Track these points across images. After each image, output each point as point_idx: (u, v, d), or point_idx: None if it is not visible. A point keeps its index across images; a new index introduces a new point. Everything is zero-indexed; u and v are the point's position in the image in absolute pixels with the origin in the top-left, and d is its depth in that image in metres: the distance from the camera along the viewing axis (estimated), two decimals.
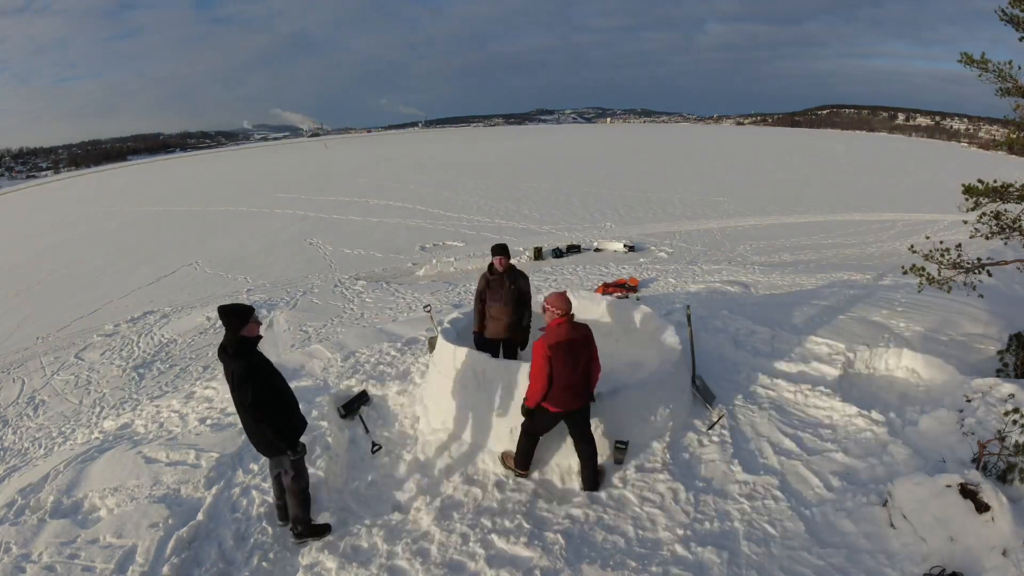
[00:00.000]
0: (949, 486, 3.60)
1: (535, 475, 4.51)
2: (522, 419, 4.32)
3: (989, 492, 3.51)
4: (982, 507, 3.46)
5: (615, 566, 3.60)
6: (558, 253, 18.11)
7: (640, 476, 4.39)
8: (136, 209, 36.51)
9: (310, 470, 4.53)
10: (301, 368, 6.87)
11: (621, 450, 4.44)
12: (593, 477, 4.31)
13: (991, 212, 5.55)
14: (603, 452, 4.49)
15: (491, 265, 5.41)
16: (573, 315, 4.16)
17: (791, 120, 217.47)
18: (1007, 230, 5.52)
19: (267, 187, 42.24)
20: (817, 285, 11.29)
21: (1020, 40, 4.87)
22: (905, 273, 6.04)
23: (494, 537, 3.89)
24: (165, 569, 3.70)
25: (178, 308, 14.47)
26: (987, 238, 5.70)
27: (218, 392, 6.54)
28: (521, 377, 4.56)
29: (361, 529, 4.08)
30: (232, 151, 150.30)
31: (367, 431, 5.27)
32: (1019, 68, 5.05)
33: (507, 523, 4.01)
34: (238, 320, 3.55)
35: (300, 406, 3.95)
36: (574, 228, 22.64)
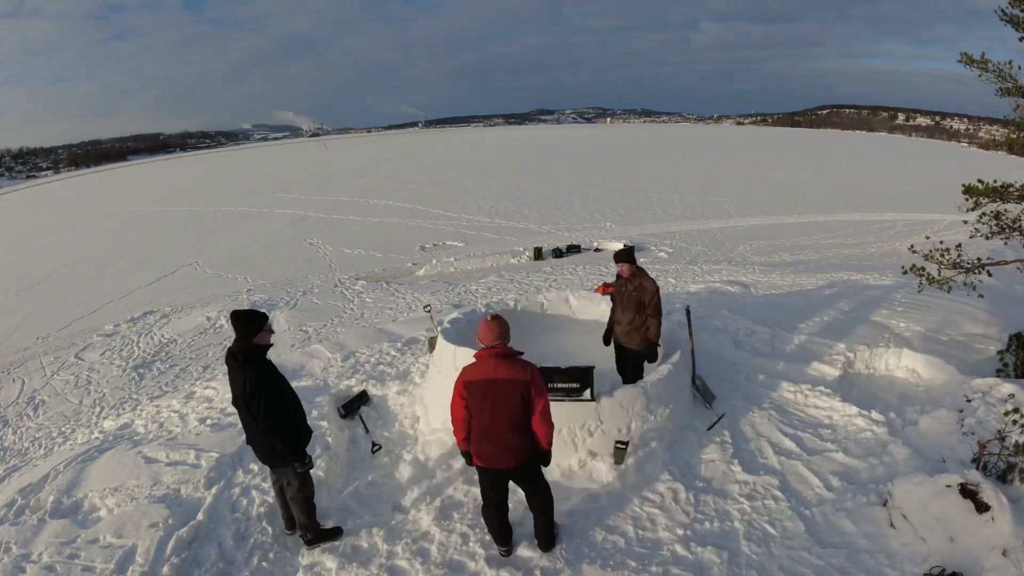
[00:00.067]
0: (949, 486, 3.60)
1: None
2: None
3: (989, 492, 3.51)
4: (982, 507, 3.47)
5: (615, 566, 3.60)
6: (558, 253, 18.10)
7: (640, 476, 4.38)
8: (136, 209, 36.50)
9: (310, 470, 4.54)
10: (301, 368, 6.88)
11: (621, 450, 4.44)
12: (547, 533, 3.70)
13: (991, 212, 5.55)
14: (603, 452, 4.49)
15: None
16: (511, 349, 3.35)
17: (791, 120, 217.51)
18: (1007, 230, 5.52)
19: (267, 187, 42.22)
20: (817, 285, 11.29)
21: (1020, 40, 4.86)
22: (905, 273, 6.04)
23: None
24: (165, 569, 3.70)
25: (178, 308, 14.47)
26: (987, 238, 5.70)
27: (218, 392, 6.54)
28: None
29: (361, 529, 4.08)
30: (232, 151, 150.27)
31: (367, 431, 5.27)
32: (1019, 68, 5.05)
33: None
34: (251, 328, 3.48)
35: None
36: (574, 228, 22.63)
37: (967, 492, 3.54)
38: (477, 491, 4.33)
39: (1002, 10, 4.96)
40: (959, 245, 5.83)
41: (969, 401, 4.80)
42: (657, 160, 53.63)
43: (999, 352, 6.03)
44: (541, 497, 3.62)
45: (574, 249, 18.64)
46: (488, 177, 40.91)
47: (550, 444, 3.46)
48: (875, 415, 4.91)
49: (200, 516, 4.17)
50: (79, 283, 18.43)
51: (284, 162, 73.71)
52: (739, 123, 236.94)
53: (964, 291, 5.76)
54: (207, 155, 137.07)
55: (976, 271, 5.66)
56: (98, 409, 9.01)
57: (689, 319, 5.77)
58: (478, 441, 3.40)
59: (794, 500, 4.10)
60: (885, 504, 3.86)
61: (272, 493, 4.18)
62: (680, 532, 3.86)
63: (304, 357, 7.27)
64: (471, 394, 3.32)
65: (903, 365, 6.06)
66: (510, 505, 3.69)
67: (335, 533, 4.01)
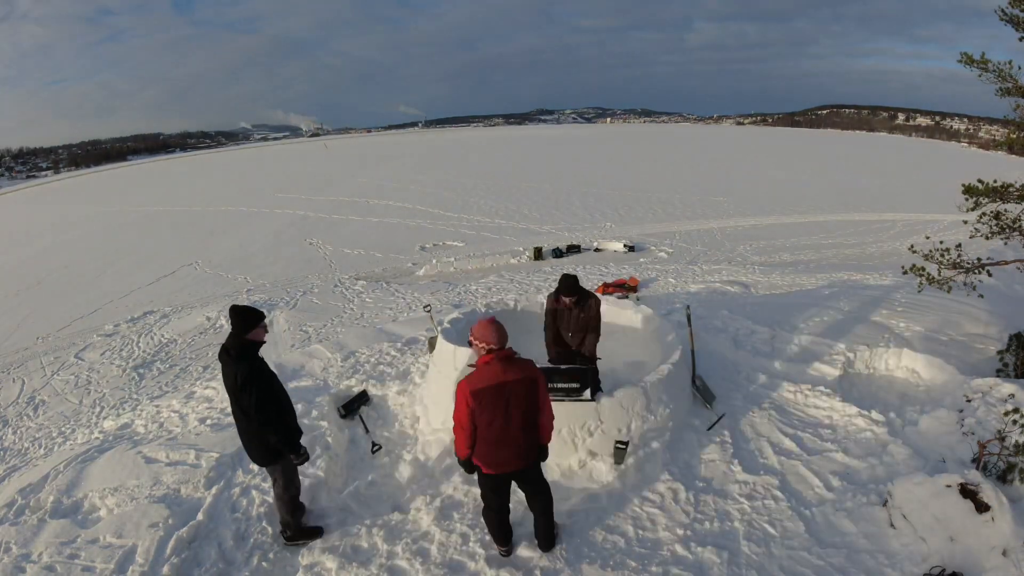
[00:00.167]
0: (949, 486, 3.60)
1: None
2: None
3: (989, 492, 3.51)
4: (982, 507, 3.46)
5: (615, 566, 3.60)
6: (558, 253, 18.11)
7: (640, 476, 4.38)
8: (136, 209, 36.52)
9: (310, 470, 4.54)
10: (301, 368, 6.87)
11: (621, 450, 4.44)
12: (547, 533, 3.69)
13: (991, 212, 5.55)
14: (603, 452, 4.49)
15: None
16: (511, 350, 3.27)
17: (791, 120, 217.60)
18: (1007, 230, 5.53)
19: (267, 187, 42.25)
20: (817, 285, 11.30)
21: (1020, 40, 4.86)
22: (905, 273, 6.04)
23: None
24: (165, 569, 3.70)
25: (178, 308, 14.48)
26: (987, 238, 5.70)
27: (218, 392, 6.53)
28: None
29: (361, 529, 4.08)
30: (232, 151, 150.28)
31: (367, 431, 5.27)
32: (1019, 68, 5.05)
33: None
34: (247, 323, 3.51)
35: (298, 407, 3.94)
36: (574, 228, 22.64)
37: (967, 492, 3.54)
38: (477, 491, 4.33)
39: (1002, 10, 4.96)
40: (959, 245, 5.83)
41: (969, 401, 4.80)
42: (657, 160, 53.66)
43: (999, 352, 6.03)
44: (542, 497, 3.60)
45: (574, 249, 18.65)
46: (488, 177, 40.93)
47: (550, 438, 3.49)
48: (875, 415, 4.91)
49: (200, 516, 4.17)
50: (79, 283, 18.44)
51: (284, 162, 73.73)
52: (739, 123, 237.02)
53: (964, 291, 5.76)
54: (207, 155, 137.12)
55: (976, 271, 5.66)
56: (98, 409, 9.01)
57: (689, 319, 5.78)
58: (488, 448, 3.29)
59: (794, 500, 4.10)
60: (885, 504, 3.86)
61: (272, 494, 4.18)
62: (680, 532, 3.86)
63: (304, 357, 7.26)
64: (481, 402, 3.17)
65: (903, 365, 6.06)
66: (510, 505, 3.69)
67: (315, 532, 4.02)
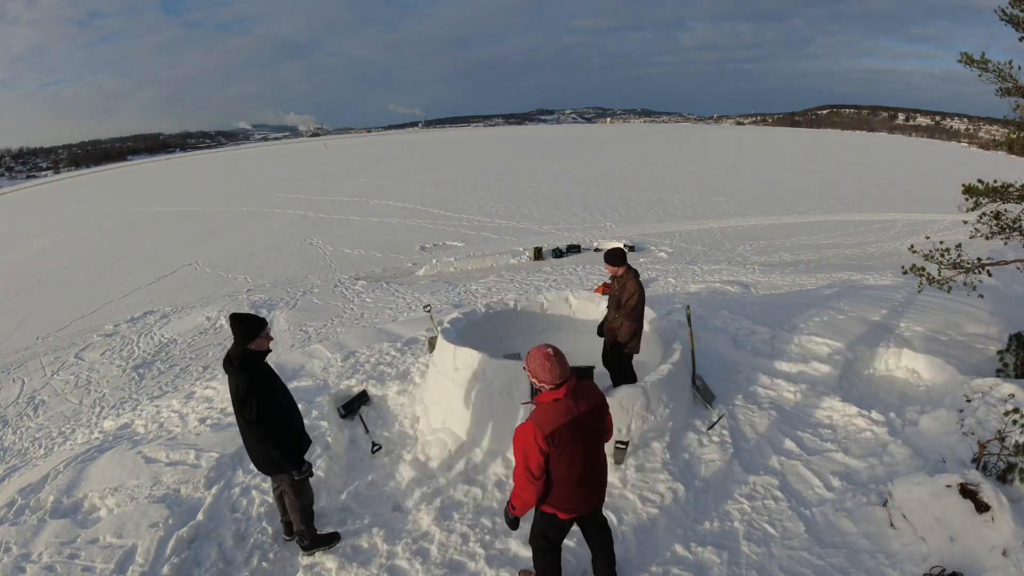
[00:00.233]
0: (949, 486, 3.60)
1: None
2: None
3: (989, 492, 3.51)
4: (982, 507, 3.47)
5: None
6: (558, 253, 18.12)
7: (640, 476, 4.38)
8: (136, 209, 36.50)
9: None
10: (301, 368, 6.87)
11: (621, 450, 4.44)
12: (611, 572, 3.30)
13: (991, 212, 5.56)
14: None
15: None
16: (573, 379, 2.81)
17: (791, 120, 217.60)
18: (1007, 230, 5.53)
19: (267, 187, 42.23)
20: (817, 285, 11.30)
21: (1020, 40, 4.87)
22: (905, 273, 6.04)
23: (494, 537, 3.89)
24: (165, 569, 3.70)
25: (178, 308, 14.48)
26: (987, 238, 5.70)
27: (218, 392, 6.54)
28: (521, 376, 4.56)
29: (361, 529, 4.08)
30: (232, 151, 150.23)
31: (367, 431, 5.27)
32: (1019, 68, 5.05)
33: None
34: (248, 331, 3.39)
35: (300, 407, 3.90)
36: (574, 228, 22.64)
37: (967, 492, 3.54)
38: (477, 491, 4.35)
39: (1002, 10, 4.96)
40: (959, 245, 5.84)
41: (969, 401, 4.80)
42: (657, 160, 53.64)
43: (999, 352, 6.03)
44: (605, 533, 3.24)
45: (574, 249, 18.66)
46: (488, 177, 40.93)
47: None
48: (875, 415, 4.91)
49: (200, 516, 4.17)
50: (79, 283, 18.44)
51: (284, 162, 73.72)
52: (739, 123, 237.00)
53: (964, 291, 5.77)
54: (207, 155, 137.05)
55: (976, 271, 5.66)
56: (98, 409, 9.01)
57: (689, 319, 5.77)
58: (570, 492, 2.88)
59: (794, 500, 4.10)
60: (885, 504, 3.86)
61: (277, 507, 4.12)
62: (680, 532, 3.86)
63: (304, 357, 7.26)
64: (559, 446, 2.74)
65: (903, 365, 6.06)
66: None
67: (332, 539, 3.95)
